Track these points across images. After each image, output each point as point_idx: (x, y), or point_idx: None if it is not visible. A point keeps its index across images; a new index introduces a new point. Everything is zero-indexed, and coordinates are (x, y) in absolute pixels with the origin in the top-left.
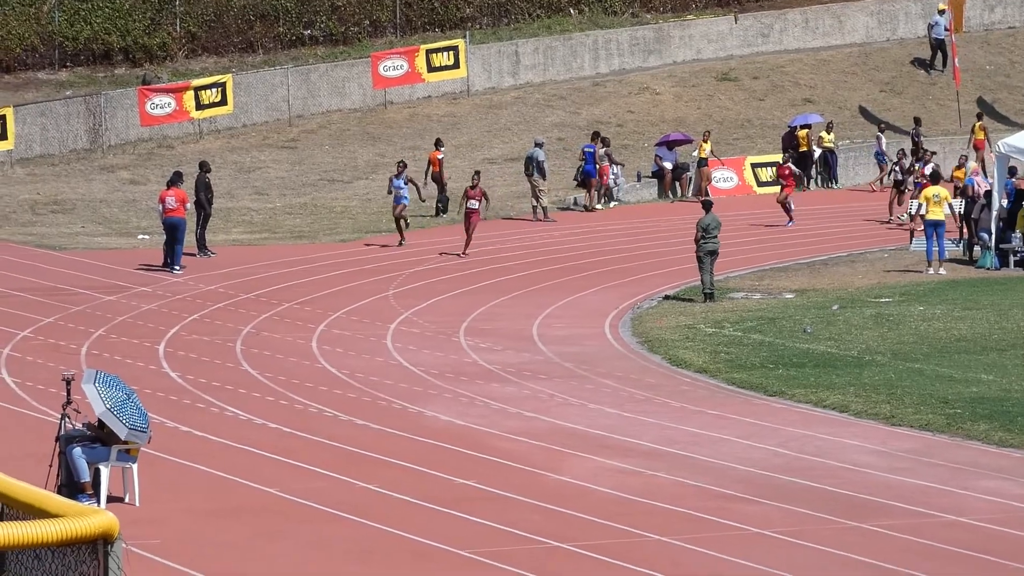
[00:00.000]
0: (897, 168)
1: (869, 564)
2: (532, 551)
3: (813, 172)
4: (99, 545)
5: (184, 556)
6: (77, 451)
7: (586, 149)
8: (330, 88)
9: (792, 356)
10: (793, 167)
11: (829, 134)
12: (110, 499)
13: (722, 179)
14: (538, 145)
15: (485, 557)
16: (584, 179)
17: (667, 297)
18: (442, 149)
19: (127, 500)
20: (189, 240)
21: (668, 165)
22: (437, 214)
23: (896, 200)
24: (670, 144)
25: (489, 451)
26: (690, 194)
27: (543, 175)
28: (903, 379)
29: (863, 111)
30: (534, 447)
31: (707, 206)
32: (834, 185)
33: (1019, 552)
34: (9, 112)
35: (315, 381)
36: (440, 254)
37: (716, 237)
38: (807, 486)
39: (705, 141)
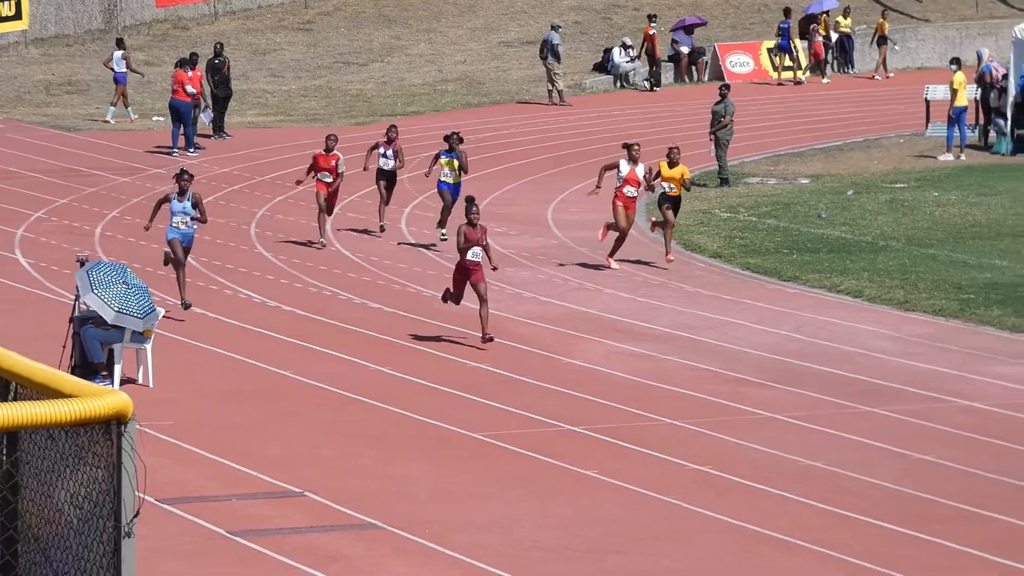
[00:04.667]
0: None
1: (882, 448)
2: (546, 434)
3: (830, 57)
4: (112, 426)
5: (197, 438)
6: (91, 332)
7: (781, 24)
8: None
9: (807, 241)
10: (339, 164)
11: (846, 19)
12: (124, 380)
13: (738, 64)
14: (554, 28)
15: (499, 440)
16: (779, 53)
17: None
18: (654, 24)
19: (140, 381)
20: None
21: (685, 49)
22: (651, 88)
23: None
24: (687, 28)
25: (504, 335)
26: (706, 78)
27: (558, 59)
28: (917, 265)
29: None
30: (548, 331)
31: (726, 89)
32: (850, 70)
33: None
34: None
35: (329, 264)
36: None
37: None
38: (820, 371)
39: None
